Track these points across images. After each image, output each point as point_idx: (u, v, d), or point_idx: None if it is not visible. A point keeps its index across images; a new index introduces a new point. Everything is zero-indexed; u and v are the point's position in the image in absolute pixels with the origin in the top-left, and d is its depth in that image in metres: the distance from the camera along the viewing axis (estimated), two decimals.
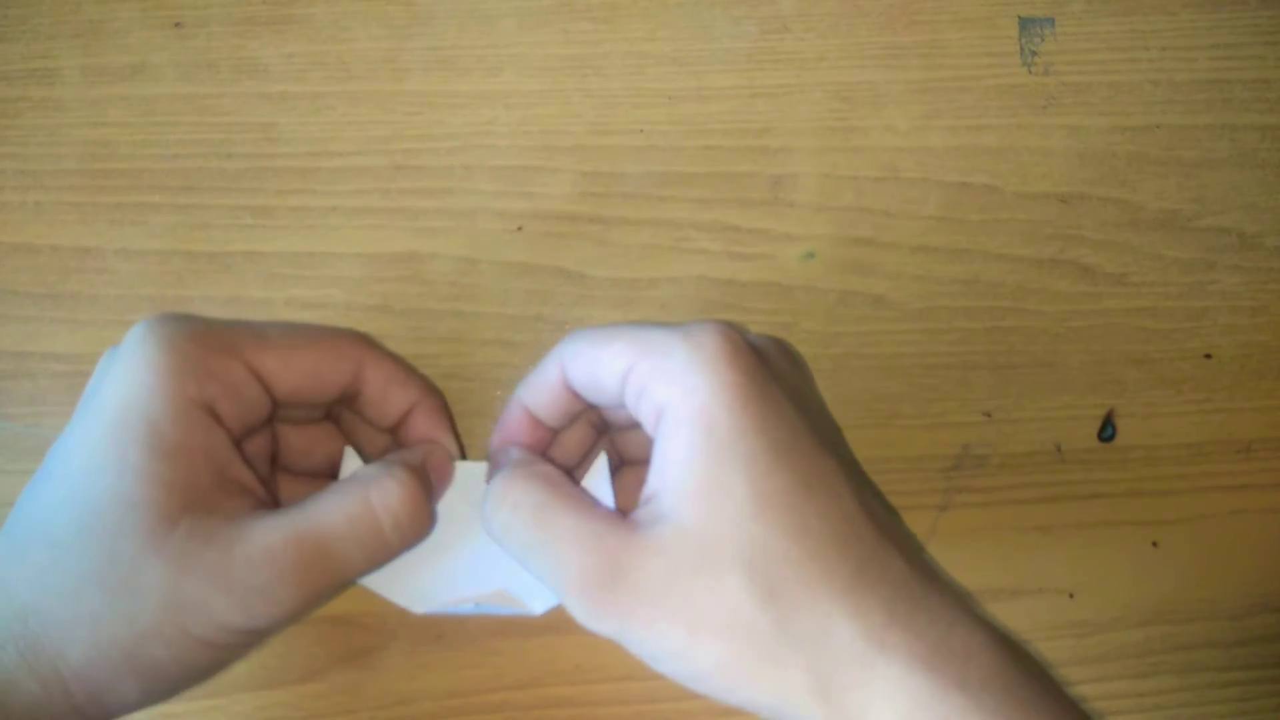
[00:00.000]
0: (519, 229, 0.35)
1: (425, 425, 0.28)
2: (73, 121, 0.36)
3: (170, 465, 0.23)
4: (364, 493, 0.24)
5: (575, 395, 0.26)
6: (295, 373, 0.25)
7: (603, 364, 0.24)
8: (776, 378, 0.23)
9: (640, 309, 0.35)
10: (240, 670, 0.32)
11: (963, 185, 0.36)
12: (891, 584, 0.21)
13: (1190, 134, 0.37)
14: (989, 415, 0.35)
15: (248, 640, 0.24)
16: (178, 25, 0.37)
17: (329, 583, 0.24)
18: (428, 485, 0.26)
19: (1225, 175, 0.37)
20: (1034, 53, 0.37)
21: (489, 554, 0.27)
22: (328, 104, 0.36)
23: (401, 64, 0.37)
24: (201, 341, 0.24)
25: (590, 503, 0.24)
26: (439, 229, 0.35)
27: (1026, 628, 0.33)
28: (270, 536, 0.23)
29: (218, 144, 0.36)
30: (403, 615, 0.33)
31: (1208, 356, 0.36)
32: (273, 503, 0.26)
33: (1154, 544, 0.34)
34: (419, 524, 0.25)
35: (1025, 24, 0.38)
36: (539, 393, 0.26)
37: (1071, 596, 0.34)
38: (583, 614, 0.22)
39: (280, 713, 0.32)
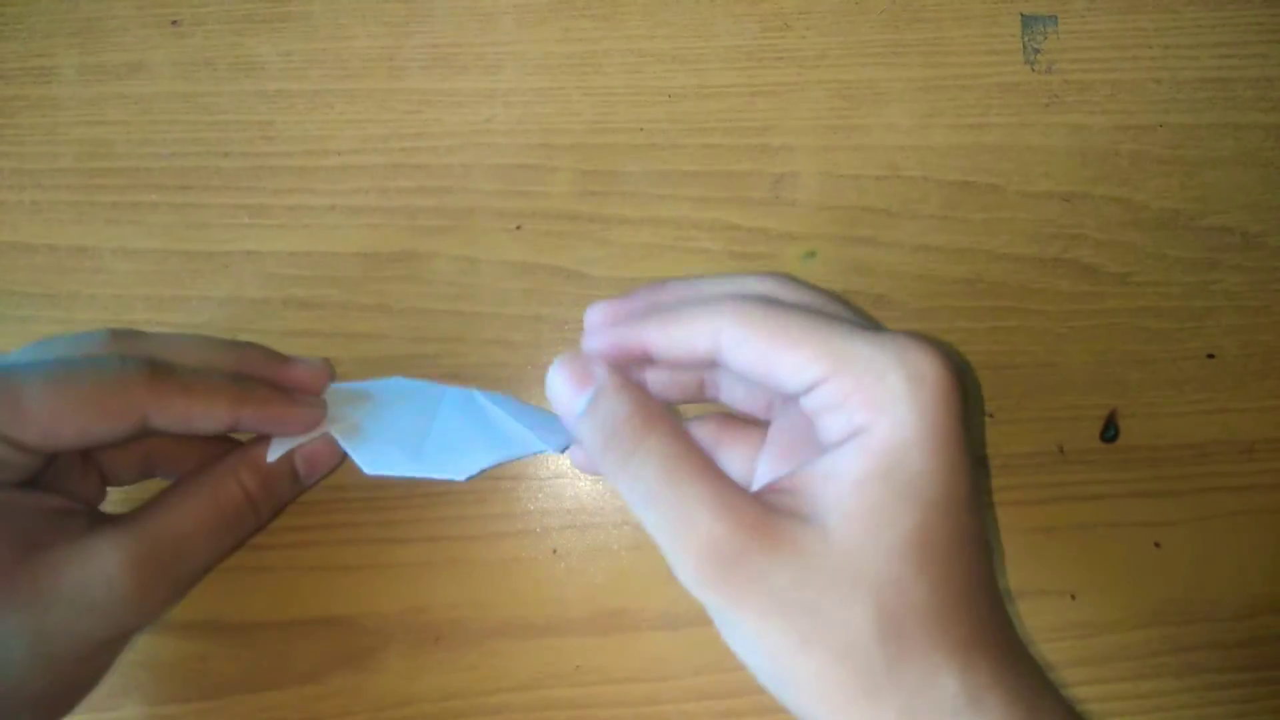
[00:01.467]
0: (518, 228, 0.35)
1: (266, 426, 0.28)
2: (70, 120, 0.36)
3: None
4: (211, 493, 0.26)
5: (710, 363, 0.24)
6: (62, 439, 0.24)
7: (784, 366, 0.22)
8: (966, 420, 0.23)
9: None
10: (239, 672, 0.32)
11: (965, 184, 0.36)
12: (999, 647, 0.22)
13: (1193, 132, 0.37)
14: (991, 415, 0.35)
15: (120, 644, 0.25)
16: (175, 23, 0.37)
17: (187, 578, 0.26)
18: (276, 475, 0.27)
19: (1228, 174, 0.37)
20: (1036, 50, 0.37)
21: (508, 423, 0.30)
22: (326, 102, 0.36)
23: (400, 62, 0.36)
24: None
25: (721, 471, 0.23)
26: (438, 228, 0.35)
27: (1028, 629, 0.33)
28: (125, 550, 0.24)
29: (215, 142, 0.36)
30: (402, 617, 0.33)
31: (1211, 356, 0.35)
32: (100, 495, 0.26)
33: (1156, 545, 0.34)
34: (277, 504, 0.28)
35: (1028, 21, 0.37)
36: (674, 350, 0.24)
37: (1073, 598, 0.34)
38: (690, 578, 0.22)
39: (279, 714, 0.32)
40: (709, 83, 0.37)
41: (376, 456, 0.29)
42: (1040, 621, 0.33)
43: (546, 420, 0.30)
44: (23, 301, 0.34)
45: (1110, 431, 0.35)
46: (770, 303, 0.23)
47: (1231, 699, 0.33)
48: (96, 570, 0.23)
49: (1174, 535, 0.34)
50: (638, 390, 0.25)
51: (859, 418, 0.22)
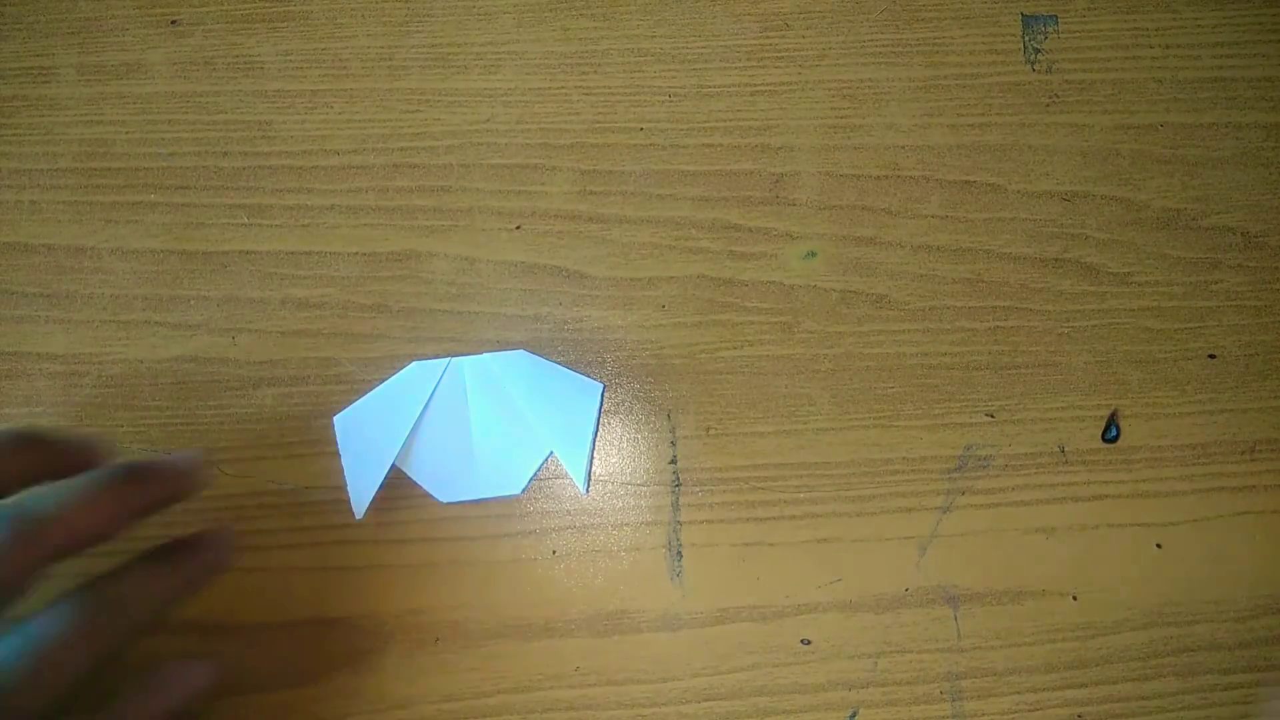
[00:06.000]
0: (517, 228, 0.35)
1: None
2: (68, 120, 0.36)
3: None
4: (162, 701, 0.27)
5: None
6: None
7: None
8: None
9: (640, 308, 0.35)
10: (239, 672, 0.32)
11: (965, 184, 0.36)
12: None
13: (1194, 132, 0.37)
14: (992, 416, 0.34)
15: None
16: (174, 23, 0.37)
17: None
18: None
19: (1229, 174, 0.36)
20: (1037, 50, 0.37)
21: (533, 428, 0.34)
22: (324, 102, 0.36)
23: (399, 61, 0.36)
24: None
25: None
26: (437, 228, 0.35)
27: (1029, 630, 0.33)
28: None
29: (214, 142, 0.36)
30: (401, 618, 0.32)
31: (1212, 356, 0.35)
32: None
33: (1158, 546, 0.34)
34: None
35: (1028, 21, 0.37)
36: None
37: (1075, 599, 0.34)
38: None
39: (279, 714, 0.32)
40: (709, 82, 0.36)
41: (447, 487, 0.33)
42: (1041, 623, 0.33)
43: (567, 387, 0.34)
44: (20, 301, 0.34)
45: (1111, 432, 0.35)
46: None
47: (1234, 700, 0.33)
48: None
49: (1176, 536, 0.34)
50: None
51: None
